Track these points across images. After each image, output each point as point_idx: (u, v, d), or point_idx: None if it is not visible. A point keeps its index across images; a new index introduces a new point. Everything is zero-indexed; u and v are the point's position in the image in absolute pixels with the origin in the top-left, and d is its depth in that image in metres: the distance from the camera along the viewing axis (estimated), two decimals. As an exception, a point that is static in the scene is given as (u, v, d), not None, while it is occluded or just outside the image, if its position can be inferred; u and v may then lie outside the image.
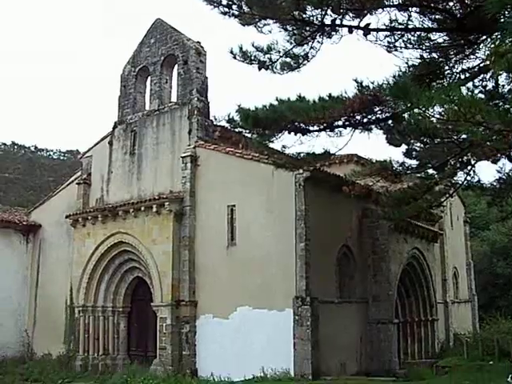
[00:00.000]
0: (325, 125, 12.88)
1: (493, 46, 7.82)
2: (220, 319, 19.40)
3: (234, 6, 10.62)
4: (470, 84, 12.41)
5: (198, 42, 22.73)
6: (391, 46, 11.98)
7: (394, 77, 11.12)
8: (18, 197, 56.52)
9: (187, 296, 20.01)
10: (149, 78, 23.96)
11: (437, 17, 11.25)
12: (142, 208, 21.19)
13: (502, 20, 6.81)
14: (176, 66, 23.05)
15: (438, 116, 8.10)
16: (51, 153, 72.78)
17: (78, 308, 22.85)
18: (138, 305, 23.04)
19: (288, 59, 11.71)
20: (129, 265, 22.84)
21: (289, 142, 13.64)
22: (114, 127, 24.06)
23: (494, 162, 16.29)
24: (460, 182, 17.62)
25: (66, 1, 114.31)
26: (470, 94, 7.63)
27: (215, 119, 15.41)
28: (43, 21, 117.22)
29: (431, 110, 8.05)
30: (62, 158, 71.63)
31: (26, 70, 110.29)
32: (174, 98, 23.03)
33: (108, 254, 22.66)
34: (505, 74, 10.45)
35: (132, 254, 22.18)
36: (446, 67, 12.61)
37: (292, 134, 13.28)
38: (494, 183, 17.85)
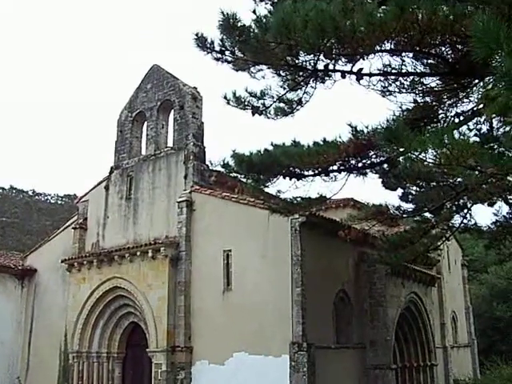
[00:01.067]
0: (320, 169, 12.86)
1: (484, 90, 7.87)
2: (216, 365, 19.10)
3: (227, 52, 10.68)
4: (464, 127, 12.43)
5: (195, 87, 22.93)
6: (385, 90, 12.03)
7: (387, 121, 11.13)
8: (16, 241, 56.26)
9: (183, 342, 19.75)
10: (145, 123, 24.10)
11: (429, 61, 11.31)
12: (138, 253, 21.07)
13: (493, 64, 6.82)
14: (172, 112, 23.21)
15: (431, 160, 8.07)
16: (49, 197, 72.65)
17: (73, 354, 22.47)
18: (133, 350, 22.68)
19: (281, 104, 11.74)
20: (124, 310, 22.54)
21: (284, 187, 13.60)
22: (111, 172, 24.10)
23: (490, 204, 16.29)
24: (457, 225, 17.58)
25: (64, 44, 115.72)
26: (462, 137, 7.59)
27: (211, 164, 15.41)
28: (42, 67, 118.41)
29: (424, 154, 8.03)
30: (59, 202, 71.48)
31: (24, 114, 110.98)
32: (170, 143, 23.11)
33: (103, 299, 22.41)
34: (498, 118, 10.47)
35: (127, 299, 21.94)
36: (440, 111, 12.65)
37: (287, 178, 13.24)
38: (491, 226, 17.80)
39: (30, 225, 62.39)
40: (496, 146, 10.83)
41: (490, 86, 8.06)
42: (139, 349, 21.52)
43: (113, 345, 22.84)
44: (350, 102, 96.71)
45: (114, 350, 22.79)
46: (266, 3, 12.46)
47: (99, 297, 22.35)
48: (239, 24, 10.48)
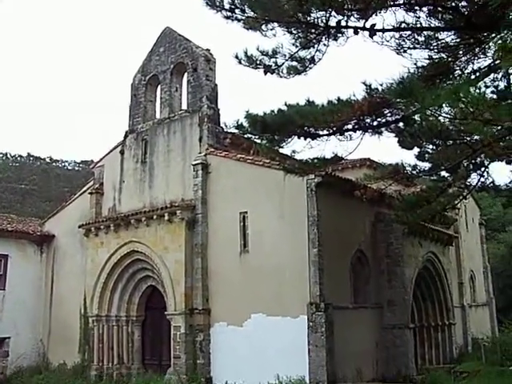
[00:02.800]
0: (334, 129, 12.74)
1: (500, 42, 7.68)
2: (234, 327, 19.25)
3: (237, 10, 10.51)
4: (481, 84, 12.20)
5: (208, 49, 22.70)
6: (399, 46, 11.83)
7: (402, 78, 10.93)
8: (35, 208, 56.78)
9: (201, 304, 19.89)
10: (159, 86, 23.96)
11: (444, 16, 11.08)
12: (154, 216, 21.17)
13: (510, 16, 6.65)
14: (186, 74, 23.04)
15: (446, 115, 7.92)
16: (66, 163, 73.17)
17: (92, 318, 22.81)
18: (151, 314, 22.95)
19: (294, 63, 11.59)
20: (142, 274, 22.76)
21: (299, 147, 13.49)
22: (125, 136, 24.09)
23: (508, 162, 16.07)
24: (474, 184, 17.38)
25: (75, 11, 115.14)
26: (478, 91, 7.42)
27: (225, 126, 15.30)
28: (57, 34, 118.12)
29: (439, 110, 7.89)
30: (76, 168, 71.95)
31: (39, 81, 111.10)
32: (184, 106, 22.98)
33: (121, 263, 22.63)
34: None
35: (145, 263, 22.12)
36: (456, 67, 12.42)
37: (302, 138, 13.13)
38: (509, 184, 17.59)
39: (48, 191, 62.91)
40: (514, 102, 10.60)
41: (507, 39, 7.85)
42: (158, 312, 21.75)
43: (131, 308, 23.11)
44: (364, 61, 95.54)
45: (133, 314, 23.07)
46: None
47: (117, 261, 22.55)
48: (250, -20, 10.30)
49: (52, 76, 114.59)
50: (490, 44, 10.73)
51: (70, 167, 73.08)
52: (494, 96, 12.44)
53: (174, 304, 20.16)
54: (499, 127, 8.47)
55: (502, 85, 12.68)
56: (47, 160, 71.65)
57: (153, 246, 21.17)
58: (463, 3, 10.28)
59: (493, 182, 17.17)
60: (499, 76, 12.48)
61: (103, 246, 22.91)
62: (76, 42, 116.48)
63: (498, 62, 9.33)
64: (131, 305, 23.11)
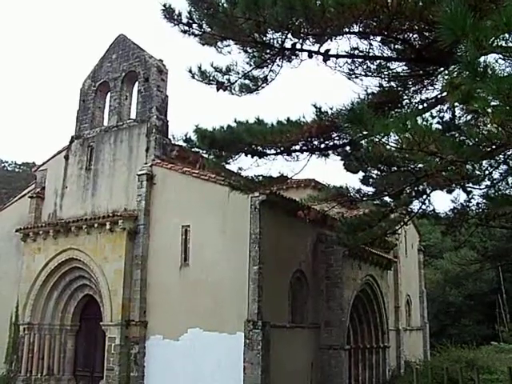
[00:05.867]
0: (282, 149, 12.84)
1: (448, 77, 7.90)
2: (170, 340, 19.08)
3: (194, 25, 10.53)
4: (427, 114, 12.51)
5: (161, 59, 22.63)
6: (351, 72, 12.05)
7: (352, 103, 11.13)
8: (-30, 208, 55.07)
9: (137, 316, 19.64)
10: (109, 93, 23.70)
11: (397, 46, 11.34)
12: (96, 225, 20.81)
13: (458, 53, 6.85)
14: (137, 83, 22.88)
15: (393, 144, 8.09)
16: (6, 164, 71.31)
17: (24, 326, 22.04)
18: (87, 323, 22.47)
19: (247, 81, 11.65)
20: (79, 282, 22.27)
21: (245, 165, 13.56)
22: (71, 141, 23.68)
23: (449, 191, 16.49)
24: (415, 211, 17.73)
25: (28, 9, 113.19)
26: (425, 123, 7.62)
27: (173, 138, 15.25)
28: (5, 30, 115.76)
29: (387, 138, 8.04)
30: (16, 169, 70.20)
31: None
32: (133, 115, 22.78)
33: (58, 271, 22.08)
34: (461, 106, 10.56)
35: (83, 272, 21.66)
36: (405, 96, 12.72)
37: (249, 156, 13.18)
38: (449, 212, 18.03)
39: (-15, 192, 61.17)
40: (457, 134, 10.92)
41: (455, 74, 8.09)
42: (93, 322, 21.32)
43: (66, 317, 22.56)
44: (317, 82, 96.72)
45: (68, 323, 22.52)
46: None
47: (54, 268, 22.00)
48: (208, -3, 10.33)
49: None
50: (439, 77, 11.05)
51: (9, 168, 71.26)
52: (439, 127, 12.81)
53: (111, 315, 19.83)
54: (443, 159, 8.68)
55: (447, 116, 13.07)
56: (-14, 160, 69.78)
57: (92, 255, 20.80)
58: (415, 36, 10.53)
59: (433, 209, 17.57)
60: (445, 108, 12.87)
61: (40, 252, 22.34)
62: (25, 39, 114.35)
63: (445, 95, 9.59)
64: (66, 313, 22.55)
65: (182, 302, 18.98)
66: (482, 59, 5.82)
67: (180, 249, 19.49)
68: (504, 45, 5.61)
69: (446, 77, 9.10)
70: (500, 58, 6.02)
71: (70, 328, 22.52)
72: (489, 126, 7.21)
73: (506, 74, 5.75)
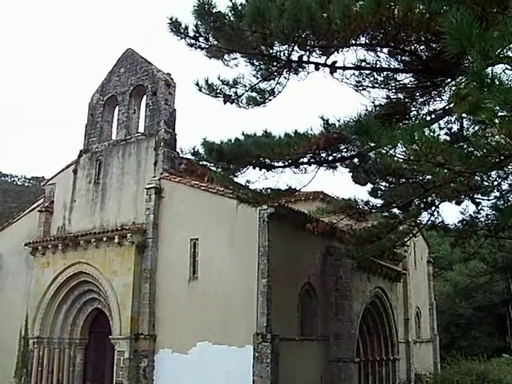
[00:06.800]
0: (290, 161, 12.84)
1: (455, 88, 7.89)
2: (179, 354, 19.02)
3: (201, 38, 10.58)
4: (435, 125, 12.50)
5: (168, 73, 22.73)
6: (358, 84, 12.07)
7: (359, 115, 11.13)
8: (-19, 223, 55.23)
9: (146, 329, 19.62)
10: (117, 107, 23.81)
11: (404, 58, 11.35)
12: (104, 238, 20.83)
13: (465, 64, 6.86)
14: (145, 97, 22.97)
15: (400, 156, 8.07)
16: (16, 178, 71.53)
17: (33, 340, 22.10)
18: (96, 337, 22.46)
19: (254, 94, 11.67)
20: (88, 296, 22.29)
21: (253, 177, 13.57)
22: (80, 155, 23.78)
23: (458, 203, 16.46)
24: (424, 222, 17.70)
25: (33, 22, 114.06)
26: (432, 134, 7.60)
27: (181, 151, 15.35)
28: (12, 44, 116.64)
29: (394, 150, 8.03)
30: (26, 184, 70.38)
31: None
32: (141, 129, 22.88)
33: (67, 284, 22.11)
34: (468, 117, 10.54)
35: (92, 285, 21.69)
36: (412, 108, 12.73)
37: (257, 169, 13.19)
38: (458, 224, 17.96)
39: (-6, 207, 61.33)
40: (465, 145, 10.89)
41: (462, 85, 8.09)
42: (102, 336, 21.32)
43: (75, 331, 22.56)
44: (325, 94, 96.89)
45: (77, 336, 22.52)
46: (245, -10, 12.38)
47: (63, 282, 22.04)
48: (214, 10, 10.39)
49: (4, 87, 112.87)
50: (446, 88, 11.05)
51: (19, 183, 71.50)
52: (448, 138, 12.79)
53: (120, 328, 19.82)
54: (450, 170, 8.66)
55: (455, 127, 13.05)
56: (-5, 174, 70.01)
57: (101, 269, 20.83)
58: (422, 47, 10.54)
59: (442, 221, 17.53)
60: (453, 119, 12.86)
61: (50, 266, 22.39)
62: (35, 52, 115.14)
63: (452, 106, 9.58)
64: (75, 327, 22.56)
65: (191, 315, 18.94)
66: (489, 69, 5.81)
67: (188, 262, 19.48)
68: (510, 55, 5.60)
69: (453, 88, 9.08)
70: (507, 69, 6.00)
71: (79, 342, 22.51)
72: (496, 136, 7.16)
73: (512, 85, 5.74)
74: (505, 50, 5.51)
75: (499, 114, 6.11)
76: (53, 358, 22.10)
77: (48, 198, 24.41)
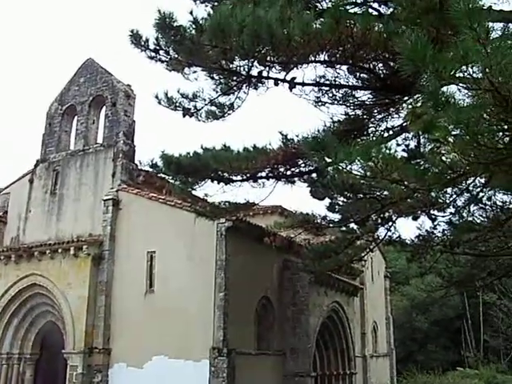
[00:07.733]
0: (248, 175, 12.86)
1: (411, 107, 8.01)
2: (134, 368, 18.76)
3: (162, 51, 10.52)
4: (393, 142, 12.67)
5: (128, 84, 22.61)
6: (317, 100, 12.12)
7: (317, 131, 11.21)
8: None
9: (101, 343, 19.29)
10: (75, 117, 23.51)
11: (362, 75, 11.47)
12: (60, 250, 20.42)
13: (420, 83, 6.98)
14: (104, 108, 22.76)
15: (357, 172, 8.14)
16: (-31, 187, 70.10)
17: (-21, 355, 21.40)
18: (47, 352, 21.93)
19: (213, 108, 11.65)
20: (41, 309, 21.73)
21: (211, 191, 13.53)
22: (36, 165, 23.39)
23: (415, 218, 16.62)
24: (381, 237, 17.83)
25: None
26: (388, 151, 7.69)
27: (140, 163, 15.28)
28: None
29: (351, 166, 8.10)
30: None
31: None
32: (100, 140, 22.64)
33: (19, 297, 21.50)
34: (424, 135, 10.69)
35: (46, 298, 21.15)
36: (370, 124, 12.85)
37: (215, 182, 13.17)
38: (414, 239, 18.14)
39: None
40: (422, 162, 11.04)
41: (418, 104, 8.21)
42: (55, 350, 20.83)
43: (26, 345, 21.86)
44: (287, 109, 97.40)
45: (27, 351, 21.81)
46: (206, 5, 12.42)
47: (15, 294, 21.39)
48: (175, 24, 10.34)
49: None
50: (404, 106, 11.19)
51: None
52: (405, 154, 12.96)
53: (73, 342, 19.41)
54: (406, 187, 8.78)
55: (412, 144, 13.24)
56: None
57: (55, 281, 20.38)
58: (380, 65, 10.67)
59: (399, 236, 17.66)
60: (410, 135, 13.05)
61: (1, 278, 21.68)
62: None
63: (408, 124, 9.72)
64: (26, 342, 21.85)
65: (147, 329, 18.72)
66: (444, 88, 5.91)
67: (145, 275, 19.28)
68: (462, 76, 5.70)
69: (409, 106, 9.21)
70: (460, 89, 6.11)
71: (29, 357, 21.80)
72: (452, 154, 7.29)
73: (465, 105, 5.84)
74: (457, 72, 5.60)
75: (453, 132, 6.21)
76: (-1, 375, 21.42)
77: (1, 207, 23.89)
